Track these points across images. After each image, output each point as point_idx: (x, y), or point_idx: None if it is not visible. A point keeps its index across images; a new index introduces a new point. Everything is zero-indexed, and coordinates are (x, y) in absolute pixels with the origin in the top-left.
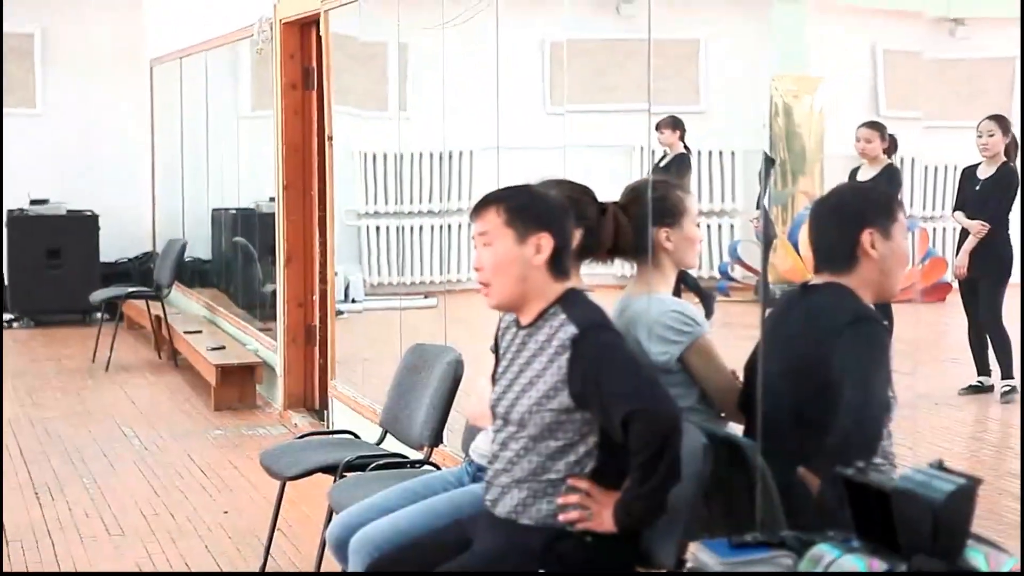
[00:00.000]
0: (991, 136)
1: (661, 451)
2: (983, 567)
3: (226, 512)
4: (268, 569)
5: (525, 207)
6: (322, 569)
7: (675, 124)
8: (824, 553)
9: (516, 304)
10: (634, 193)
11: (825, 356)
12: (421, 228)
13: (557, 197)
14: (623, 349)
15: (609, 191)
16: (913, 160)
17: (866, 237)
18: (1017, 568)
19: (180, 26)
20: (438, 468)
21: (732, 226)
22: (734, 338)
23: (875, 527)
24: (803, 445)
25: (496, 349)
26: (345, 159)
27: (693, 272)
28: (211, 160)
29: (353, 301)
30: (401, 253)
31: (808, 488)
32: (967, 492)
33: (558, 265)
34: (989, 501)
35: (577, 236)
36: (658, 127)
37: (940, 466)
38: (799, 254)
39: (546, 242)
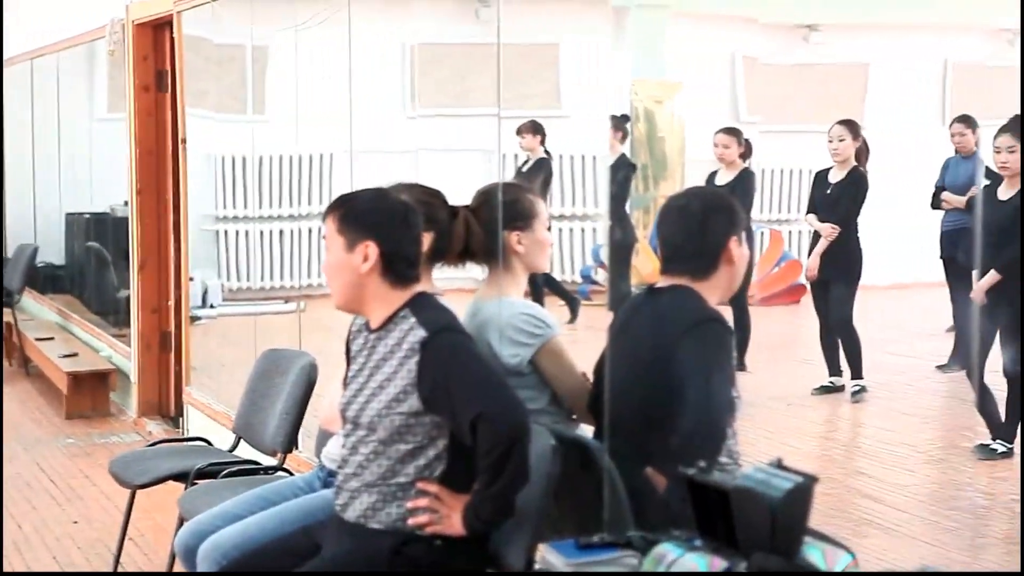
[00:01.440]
0: (841, 141)
1: (509, 454)
2: (820, 564)
3: (75, 522)
4: None
5: (355, 215)
6: None
7: (535, 128)
8: (667, 552)
9: (355, 307)
10: (485, 196)
11: (670, 358)
12: (281, 232)
13: (397, 203)
14: (472, 352)
15: (470, 195)
16: (768, 165)
17: (733, 244)
18: (853, 565)
19: (31, 27)
20: (292, 474)
21: (595, 230)
22: (596, 341)
23: (717, 525)
24: (650, 446)
25: (347, 353)
26: (202, 163)
27: (555, 275)
28: (64, 163)
29: (211, 307)
30: (260, 258)
31: (655, 488)
32: (804, 490)
33: (394, 272)
34: (839, 499)
35: (427, 240)
36: (519, 131)
37: (779, 464)
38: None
39: (372, 251)
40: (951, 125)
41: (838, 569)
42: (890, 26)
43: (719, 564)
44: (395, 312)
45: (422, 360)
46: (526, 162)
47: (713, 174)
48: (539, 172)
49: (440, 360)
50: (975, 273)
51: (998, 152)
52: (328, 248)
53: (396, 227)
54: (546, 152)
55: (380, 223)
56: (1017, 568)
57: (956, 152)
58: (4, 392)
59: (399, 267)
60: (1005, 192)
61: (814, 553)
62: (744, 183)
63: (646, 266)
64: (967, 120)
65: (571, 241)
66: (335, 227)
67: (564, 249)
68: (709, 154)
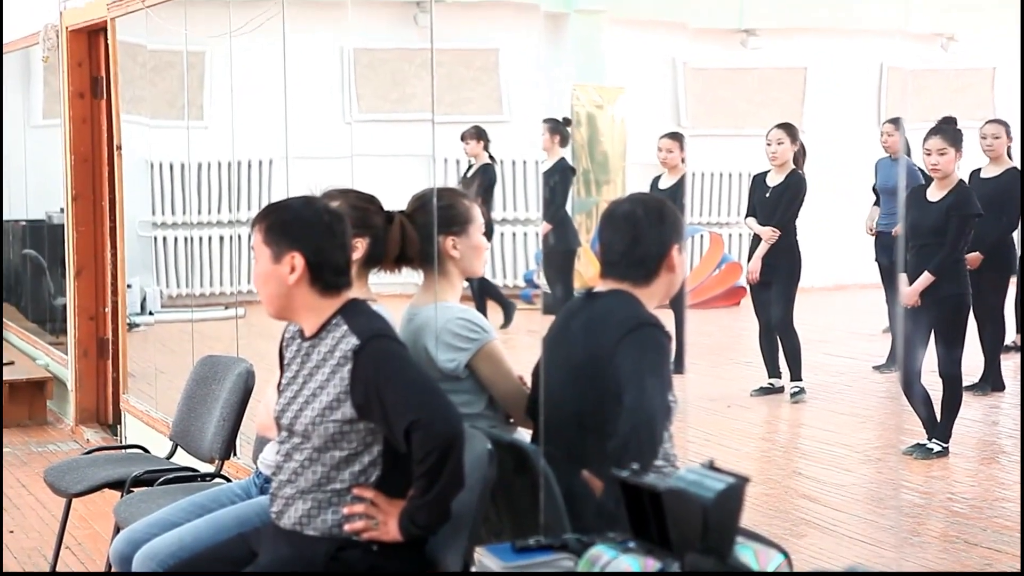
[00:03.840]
0: (780, 144)
1: (444, 459)
2: (752, 564)
3: (11, 531)
4: None
5: (280, 226)
6: None
7: (479, 134)
8: (601, 554)
9: (286, 316)
10: (420, 202)
11: (607, 361)
12: (221, 239)
13: (322, 211)
14: (404, 359)
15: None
16: (708, 169)
17: (675, 252)
18: (785, 565)
19: None
20: (229, 480)
21: (537, 234)
22: (534, 345)
23: (650, 527)
24: (587, 449)
25: (280, 359)
26: (139, 169)
27: (499, 279)
28: None
29: (150, 313)
30: (200, 264)
31: (592, 491)
32: (736, 490)
33: (322, 281)
34: (778, 500)
35: (362, 246)
36: (463, 137)
37: (711, 466)
38: None
39: (298, 261)
40: (882, 126)
41: (770, 569)
42: (827, 30)
43: (652, 565)
44: (327, 320)
45: (355, 368)
46: (470, 167)
47: (657, 178)
48: (481, 177)
49: (373, 368)
50: (902, 276)
51: (928, 154)
52: (256, 258)
53: (321, 236)
54: (491, 157)
55: (305, 233)
56: (1018, 568)
57: (886, 152)
58: None
59: (327, 276)
60: (935, 194)
61: (746, 553)
62: (683, 186)
63: (588, 270)
64: (896, 122)
65: (514, 245)
66: (261, 238)
67: (508, 253)
68: (650, 158)
